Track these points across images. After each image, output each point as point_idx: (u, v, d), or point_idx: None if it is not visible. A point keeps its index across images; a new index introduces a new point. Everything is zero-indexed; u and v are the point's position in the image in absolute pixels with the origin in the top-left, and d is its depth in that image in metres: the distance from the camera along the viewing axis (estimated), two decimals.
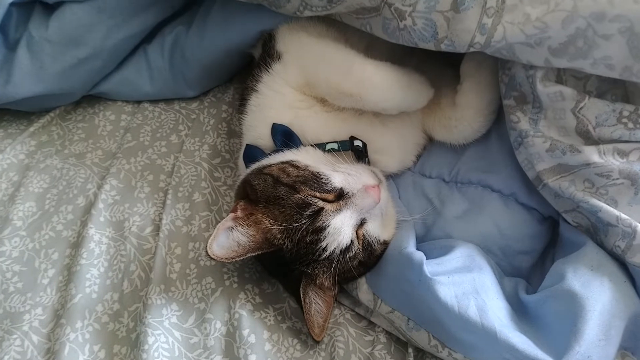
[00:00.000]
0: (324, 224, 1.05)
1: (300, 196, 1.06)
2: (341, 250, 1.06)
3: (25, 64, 1.47)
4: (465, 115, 1.21)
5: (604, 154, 0.98)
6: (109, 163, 1.47)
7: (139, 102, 1.64)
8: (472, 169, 1.22)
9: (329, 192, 1.08)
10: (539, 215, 1.15)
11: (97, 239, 1.30)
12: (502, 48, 1.01)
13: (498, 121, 1.23)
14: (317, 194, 1.07)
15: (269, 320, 1.17)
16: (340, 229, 1.05)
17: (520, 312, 1.03)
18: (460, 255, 1.06)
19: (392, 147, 1.27)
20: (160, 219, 1.32)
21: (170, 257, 1.26)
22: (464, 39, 1.02)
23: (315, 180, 1.09)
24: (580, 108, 1.00)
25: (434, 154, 1.31)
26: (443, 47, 1.06)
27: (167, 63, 1.54)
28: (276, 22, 1.31)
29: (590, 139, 1.01)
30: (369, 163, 1.24)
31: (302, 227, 1.05)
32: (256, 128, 1.26)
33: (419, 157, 1.34)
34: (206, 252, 1.03)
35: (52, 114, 1.61)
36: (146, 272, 1.25)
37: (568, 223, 1.08)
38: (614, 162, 0.97)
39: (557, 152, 1.02)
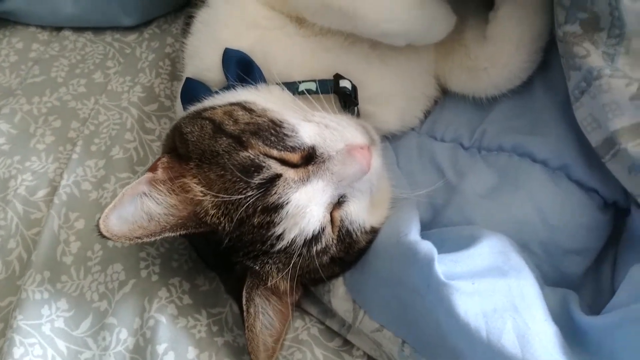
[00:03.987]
0: (280, 200, 0.69)
1: (247, 154, 0.70)
2: (305, 240, 0.71)
3: None
4: (500, 53, 0.86)
5: None
6: (3, 103, 1.08)
7: (58, 29, 1.25)
8: (504, 130, 0.86)
9: (292, 150, 0.72)
10: (600, 200, 0.80)
11: None
12: None
13: (544, 67, 0.87)
14: (274, 152, 0.71)
15: (199, 331, 0.80)
16: (304, 208, 0.70)
17: (576, 341, 0.68)
18: (489, 250, 0.70)
19: (393, 96, 0.91)
20: (61, 180, 0.94)
21: (67, 232, 0.88)
22: None
23: (274, 130, 0.72)
24: None
25: (448, 111, 0.95)
26: None
27: None
28: None
29: None
30: (358, 115, 0.87)
31: (248, 201, 0.69)
32: (202, 54, 0.89)
33: (427, 114, 0.97)
34: (97, 226, 0.66)
35: None
36: (30, 252, 0.88)
37: None
38: None
39: None
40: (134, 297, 0.82)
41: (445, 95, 0.98)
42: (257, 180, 0.69)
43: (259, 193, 0.69)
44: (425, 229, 0.82)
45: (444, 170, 0.87)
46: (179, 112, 0.90)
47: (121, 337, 0.79)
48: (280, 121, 0.74)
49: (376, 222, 0.79)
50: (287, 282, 0.74)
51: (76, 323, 0.80)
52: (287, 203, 0.69)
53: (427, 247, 0.66)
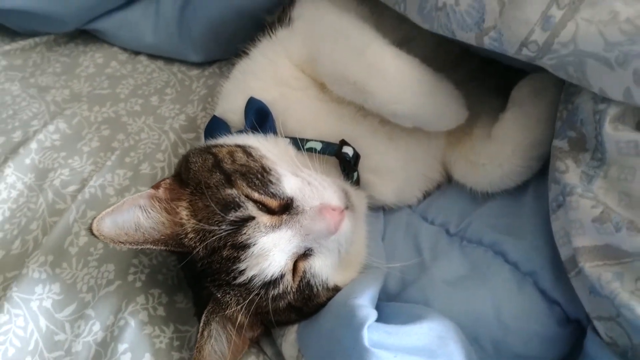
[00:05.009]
0: (248, 240, 0.75)
1: (231, 192, 0.77)
2: (263, 282, 0.76)
3: None
4: (498, 153, 0.89)
5: None
6: (70, 106, 1.23)
7: (137, 53, 1.42)
8: (487, 226, 0.89)
9: (273, 196, 0.78)
10: (562, 314, 0.80)
11: (11, 182, 1.05)
12: (569, 60, 0.70)
13: (541, 176, 0.90)
14: (255, 195, 0.78)
15: (161, 342, 0.87)
16: (268, 252, 0.75)
17: None
18: (428, 332, 0.72)
19: (394, 171, 0.96)
20: (90, 180, 1.05)
21: (80, 226, 0.99)
22: (518, 32, 0.72)
23: (260, 175, 0.80)
24: None
25: (446, 197, 0.99)
26: (486, 42, 0.76)
27: (177, 13, 1.31)
28: None
29: None
30: (358, 182, 0.94)
31: (221, 234, 0.76)
32: (231, 98, 0.99)
33: (427, 195, 1.01)
34: (90, 224, 0.75)
35: (37, 40, 1.42)
36: (45, 236, 0.98)
37: (599, 336, 0.73)
38: None
39: (607, 226, 0.68)
40: (115, 296, 0.90)
41: (449, 181, 1.02)
42: (232, 217, 0.76)
43: (232, 229, 0.76)
44: (390, 300, 0.86)
45: (422, 250, 0.91)
46: (201, 143, 1.00)
47: (93, 329, 0.86)
48: (270, 169, 0.81)
49: (341, 281, 0.84)
50: (245, 317, 0.79)
51: (61, 307, 0.89)
52: (254, 244, 0.75)
53: (364, 312, 0.70)
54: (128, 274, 0.93)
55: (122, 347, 0.83)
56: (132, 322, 0.86)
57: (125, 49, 1.42)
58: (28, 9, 1.30)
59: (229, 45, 1.35)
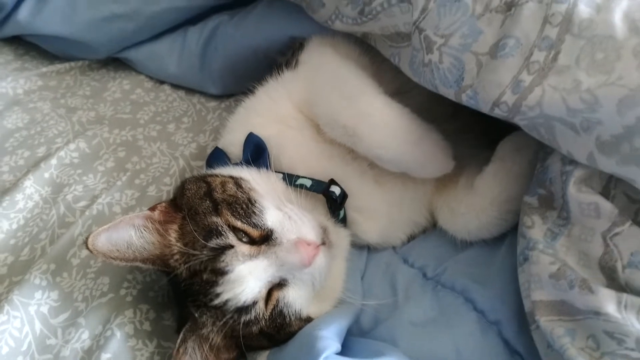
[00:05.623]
0: (226, 267, 0.81)
1: (215, 220, 0.84)
2: (236, 307, 0.81)
3: (60, 3, 1.40)
4: (477, 204, 0.93)
5: (625, 308, 0.66)
6: (92, 127, 1.32)
7: (162, 82, 1.51)
8: (460, 273, 0.92)
9: (255, 226, 0.84)
10: None
11: (29, 193, 1.14)
12: (540, 122, 0.74)
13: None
14: (239, 224, 0.83)
15: (142, 355, 0.92)
16: (243, 279, 0.81)
17: None
18: None
19: (379, 213, 1.01)
20: (99, 197, 1.13)
21: (84, 239, 1.05)
22: (491, 93, 0.77)
23: (245, 206, 0.86)
24: (615, 234, 0.70)
25: (428, 241, 1.03)
26: (464, 99, 0.81)
27: (200, 49, 1.40)
28: (308, 31, 1.15)
29: (614, 281, 0.69)
30: (345, 220, 0.98)
31: (202, 258, 0.82)
32: (233, 132, 1.06)
33: (411, 238, 1.05)
34: (86, 238, 0.82)
35: (72, 64, 1.53)
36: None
37: None
38: (635, 325, 0.65)
39: (562, 283, 0.72)
40: (105, 308, 0.95)
41: (434, 228, 1.05)
42: (212, 244, 0.82)
43: (211, 255, 0.81)
44: (363, 336, 0.90)
45: (397, 290, 0.94)
46: (203, 171, 1.07)
47: (82, 337, 0.92)
48: (255, 201, 0.87)
49: (315, 313, 0.88)
50: (219, 338, 0.84)
51: (57, 313, 0.95)
52: (231, 271, 0.81)
53: (323, 344, 0.74)
54: (121, 288, 0.99)
55: (105, 356, 0.88)
56: (118, 334, 0.92)
57: (151, 78, 1.52)
58: (66, 35, 1.42)
59: (245, 81, 1.42)
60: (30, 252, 1.06)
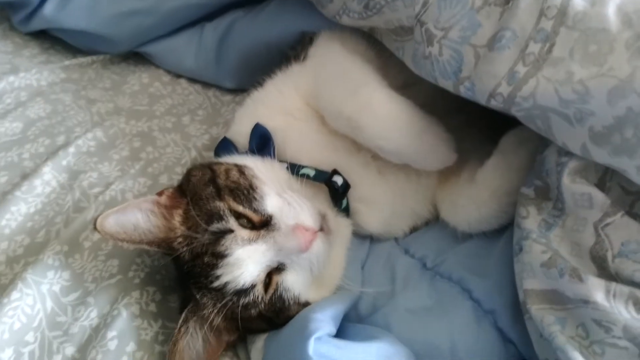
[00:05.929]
0: (226, 251, 0.84)
1: (218, 204, 0.86)
2: (235, 289, 0.84)
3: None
4: (478, 196, 0.94)
5: (614, 296, 0.66)
6: (109, 118, 1.37)
7: (179, 76, 1.56)
8: (458, 264, 0.93)
9: (255, 211, 0.87)
10: (517, 355, 0.83)
11: (47, 179, 1.18)
12: (536, 114, 0.75)
13: None
14: (240, 208, 0.86)
15: (147, 334, 0.95)
16: (241, 263, 0.83)
17: None
18: (377, 351, 0.77)
19: (381, 203, 1.03)
20: (113, 184, 1.17)
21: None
22: (487, 84, 0.78)
23: (247, 192, 0.88)
24: (606, 224, 0.71)
25: (430, 233, 1.04)
26: (462, 90, 0.82)
27: (216, 43, 1.44)
28: (318, 26, 1.17)
29: (605, 271, 0.70)
30: (347, 211, 1.00)
31: (204, 242, 0.85)
32: (241, 122, 1.09)
33: (414, 230, 1.07)
34: (95, 220, 0.85)
35: (95, 58, 1.58)
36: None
37: None
38: (623, 313, 0.65)
39: (553, 272, 0.72)
40: (114, 288, 0.99)
41: (437, 219, 1.06)
42: (213, 228, 0.84)
43: (212, 239, 0.84)
44: (360, 322, 0.92)
45: (396, 279, 0.96)
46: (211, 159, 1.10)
47: (91, 315, 0.95)
48: (256, 187, 0.89)
49: (313, 298, 0.90)
50: (220, 320, 0.87)
51: (68, 292, 0.98)
52: (230, 255, 0.84)
53: (315, 325, 0.76)
54: (129, 270, 1.02)
55: (111, 334, 0.92)
56: (124, 313, 0.95)
57: (169, 72, 1.56)
58: (89, 30, 1.47)
59: (259, 75, 1.47)
60: (45, 234, 1.10)
